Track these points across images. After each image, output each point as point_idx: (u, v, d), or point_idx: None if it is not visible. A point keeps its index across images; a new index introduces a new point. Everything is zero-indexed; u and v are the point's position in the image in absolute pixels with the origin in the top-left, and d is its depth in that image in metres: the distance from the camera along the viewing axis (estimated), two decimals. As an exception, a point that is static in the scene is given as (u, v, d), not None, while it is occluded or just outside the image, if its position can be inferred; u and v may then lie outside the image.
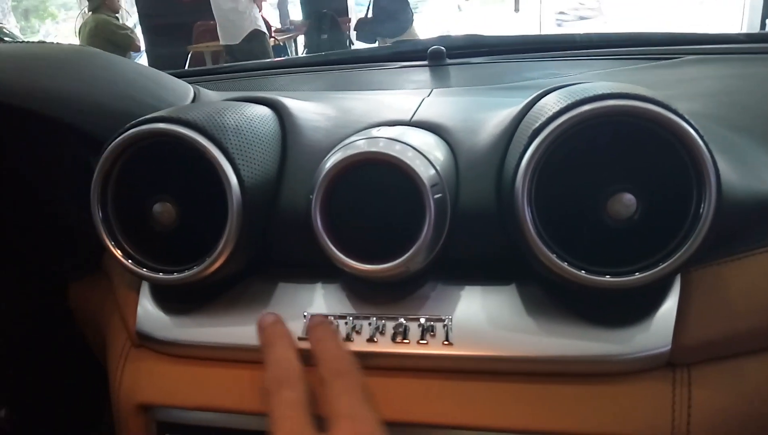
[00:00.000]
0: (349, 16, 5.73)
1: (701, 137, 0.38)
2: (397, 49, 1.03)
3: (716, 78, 0.75)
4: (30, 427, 0.66)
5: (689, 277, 0.43)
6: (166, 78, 0.66)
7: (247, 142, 0.46)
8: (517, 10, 5.97)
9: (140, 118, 0.45)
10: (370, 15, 4.35)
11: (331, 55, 1.10)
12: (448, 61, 0.91)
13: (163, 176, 0.46)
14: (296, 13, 6.28)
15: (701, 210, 0.38)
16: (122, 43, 4.17)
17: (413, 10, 4.53)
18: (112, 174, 0.45)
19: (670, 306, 0.42)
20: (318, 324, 0.44)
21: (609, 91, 0.39)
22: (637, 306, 0.42)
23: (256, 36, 4.17)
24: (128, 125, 0.45)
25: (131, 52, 4.41)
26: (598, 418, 0.41)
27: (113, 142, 0.44)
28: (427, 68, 0.91)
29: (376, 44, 4.20)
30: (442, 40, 0.97)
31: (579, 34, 0.96)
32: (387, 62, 0.98)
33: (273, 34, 4.93)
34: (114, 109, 0.54)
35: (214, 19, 4.23)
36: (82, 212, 0.55)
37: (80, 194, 0.49)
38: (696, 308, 0.42)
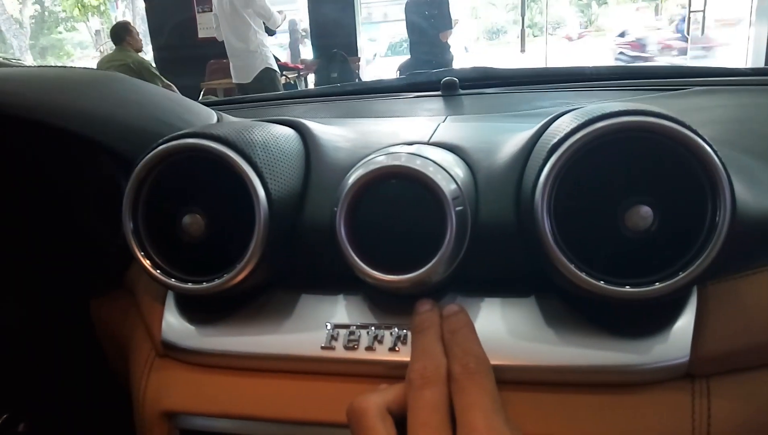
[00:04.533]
0: (359, 55, 5.86)
1: (714, 150, 0.39)
2: (410, 80, 1.06)
3: (725, 107, 0.76)
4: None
5: (706, 291, 0.44)
6: (191, 103, 0.69)
7: (273, 157, 0.48)
8: (523, 50, 6.09)
9: (172, 135, 0.47)
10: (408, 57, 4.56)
11: (346, 85, 1.14)
12: (461, 91, 0.94)
13: (192, 189, 0.48)
14: (307, 53, 6.44)
15: (717, 219, 0.39)
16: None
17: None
18: (144, 186, 0.47)
19: (687, 318, 0.43)
20: (454, 314, 0.43)
21: (624, 109, 0.41)
22: (655, 317, 0.43)
23: (267, 74, 4.28)
24: (161, 140, 0.47)
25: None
26: (617, 428, 0.41)
27: (147, 156, 0.46)
28: (440, 98, 0.94)
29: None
30: (455, 72, 1.00)
31: (588, 66, 0.99)
32: (400, 93, 1.01)
33: (283, 73, 5.04)
34: (143, 129, 0.56)
35: (226, 57, 4.35)
36: (107, 229, 0.57)
37: (107, 212, 0.50)
38: (713, 320, 0.43)
